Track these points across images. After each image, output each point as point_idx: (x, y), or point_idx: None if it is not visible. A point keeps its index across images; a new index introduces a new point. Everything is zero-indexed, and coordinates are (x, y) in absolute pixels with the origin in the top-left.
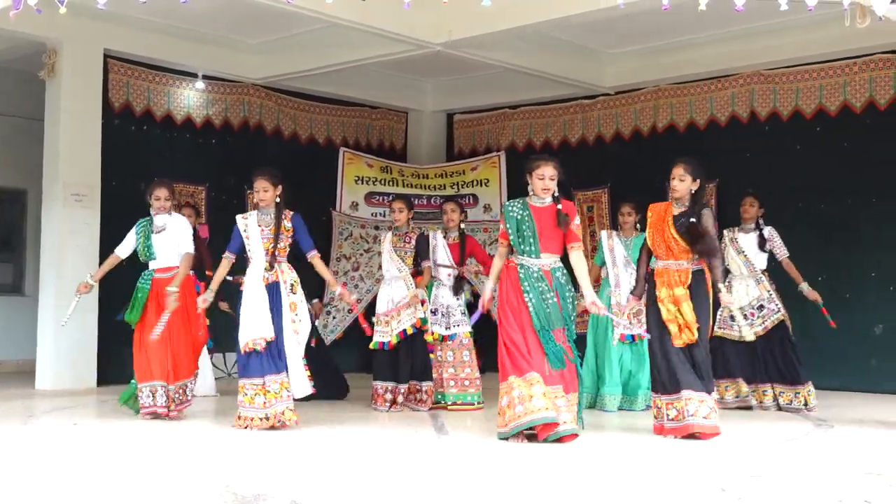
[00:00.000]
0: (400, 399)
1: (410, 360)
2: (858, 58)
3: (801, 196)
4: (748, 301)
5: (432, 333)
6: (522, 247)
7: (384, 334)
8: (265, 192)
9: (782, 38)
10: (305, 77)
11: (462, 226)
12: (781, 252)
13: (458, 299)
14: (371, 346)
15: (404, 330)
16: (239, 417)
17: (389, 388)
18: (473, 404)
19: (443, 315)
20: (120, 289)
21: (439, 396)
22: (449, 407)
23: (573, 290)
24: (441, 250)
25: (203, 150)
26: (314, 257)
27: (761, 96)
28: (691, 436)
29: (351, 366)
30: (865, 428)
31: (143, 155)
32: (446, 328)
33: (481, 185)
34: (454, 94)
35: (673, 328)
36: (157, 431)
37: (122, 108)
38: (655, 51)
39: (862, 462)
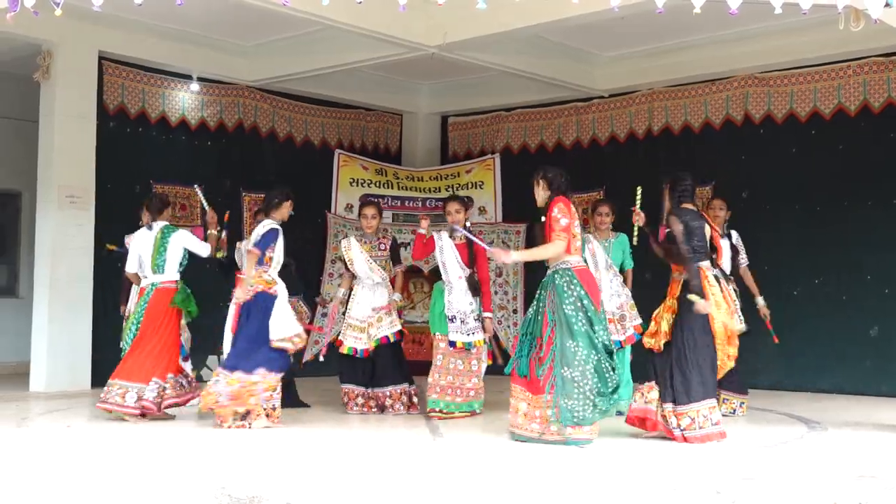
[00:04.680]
0: (389, 402)
1: (392, 365)
2: (853, 61)
3: (796, 198)
4: None
5: (454, 343)
6: None
7: (358, 340)
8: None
9: (777, 41)
10: (300, 79)
11: (468, 224)
12: (745, 259)
13: (471, 304)
14: (344, 351)
15: (386, 336)
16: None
17: (360, 392)
18: (475, 411)
19: (462, 322)
20: (116, 290)
21: (431, 403)
22: (454, 414)
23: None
24: (449, 252)
25: (198, 152)
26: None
27: (756, 99)
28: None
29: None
30: (860, 430)
31: (138, 157)
32: (467, 335)
33: (476, 187)
34: (449, 97)
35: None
36: (151, 433)
37: (116, 110)
38: (650, 54)
39: (856, 465)
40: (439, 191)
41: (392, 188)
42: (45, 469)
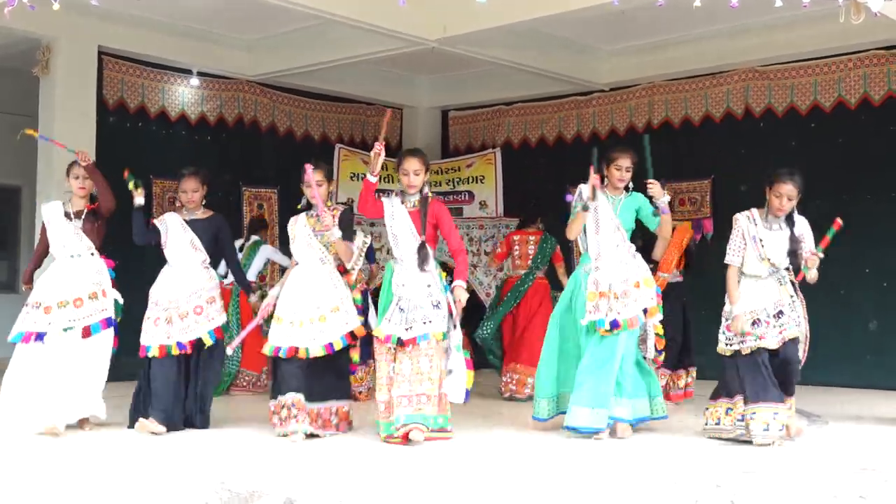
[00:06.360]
0: (319, 421)
1: (331, 375)
2: (853, 54)
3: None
4: (764, 306)
5: (388, 338)
6: None
7: (286, 338)
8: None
9: (777, 34)
10: (300, 73)
11: (426, 189)
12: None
13: (429, 286)
14: (265, 350)
15: (331, 343)
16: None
17: (294, 401)
18: (432, 428)
19: (401, 310)
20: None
21: (388, 427)
22: (396, 432)
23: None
24: (401, 220)
25: (198, 147)
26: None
27: (756, 92)
28: None
29: None
30: (860, 424)
31: (138, 152)
32: (406, 329)
33: (477, 181)
34: (449, 91)
35: None
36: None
37: (116, 105)
38: (650, 47)
39: (856, 458)
40: (440, 185)
41: (392, 182)
42: (46, 465)
